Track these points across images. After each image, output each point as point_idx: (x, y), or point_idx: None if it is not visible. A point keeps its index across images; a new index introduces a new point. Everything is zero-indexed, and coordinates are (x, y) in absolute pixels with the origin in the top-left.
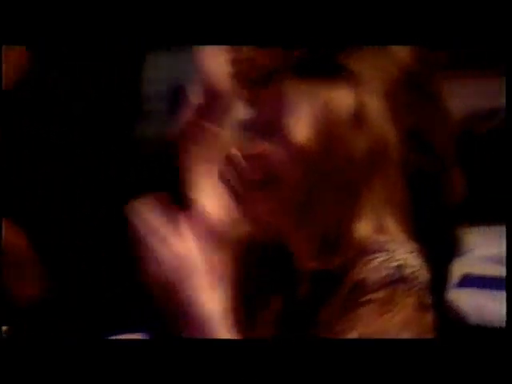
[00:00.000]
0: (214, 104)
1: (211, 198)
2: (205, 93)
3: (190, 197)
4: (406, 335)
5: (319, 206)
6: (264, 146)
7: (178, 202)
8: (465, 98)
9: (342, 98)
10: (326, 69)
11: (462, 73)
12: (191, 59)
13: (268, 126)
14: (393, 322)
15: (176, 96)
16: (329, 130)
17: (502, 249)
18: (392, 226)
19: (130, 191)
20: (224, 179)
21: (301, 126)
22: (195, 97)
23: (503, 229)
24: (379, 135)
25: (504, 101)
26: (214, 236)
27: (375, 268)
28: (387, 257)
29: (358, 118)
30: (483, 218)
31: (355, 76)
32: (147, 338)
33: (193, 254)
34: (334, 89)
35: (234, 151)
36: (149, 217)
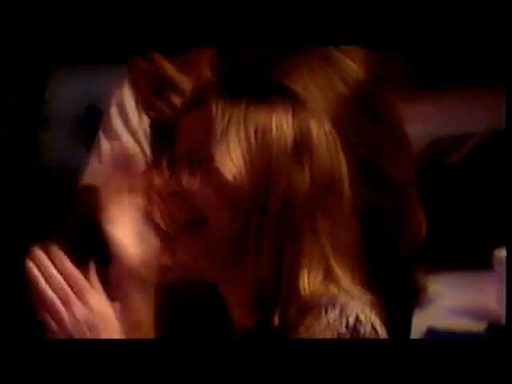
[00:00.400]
0: None
1: (132, 238)
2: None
3: (108, 237)
4: None
5: (253, 252)
6: (189, 181)
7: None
8: (430, 122)
9: (282, 124)
10: (262, 88)
11: (426, 93)
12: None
13: (193, 157)
14: None
15: (89, 118)
16: (265, 162)
17: (470, 298)
18: (342, 275)
19: (31, 235)
20: (149, 218)
21: (230, 158)
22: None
23: (471, 276)
24: (326, 168)
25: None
26: (134, 282)
27: (325, 326)
28: (338, 312)
29: (302, 147)
30: (448, 262)
31: (298, 97)
32: None
33: (105, 308)
34: (271, 112)
35: (159, 185)
36: (53, 267)
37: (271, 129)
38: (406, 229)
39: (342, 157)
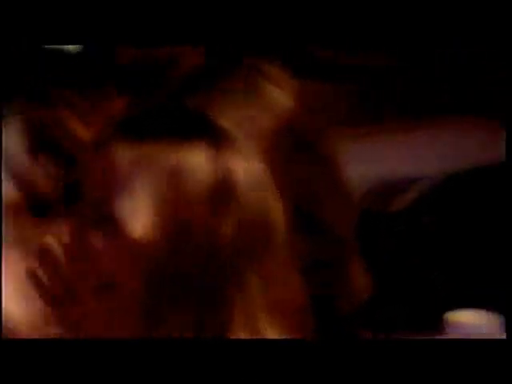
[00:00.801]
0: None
1: (16, 300)
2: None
3: None
4: None
5: (171, 319)
6: (93, 240)
7: None
8: (373, 163)
9: (201, 163)
10: (178, 122)
11: (371, 129)
12: None
13: (96, 212)
14: None
15: None
16: (180, 212)
17: None
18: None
19: None
20: (34, 278)
21: (138, 211)
22: None
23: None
24: (255, 214)
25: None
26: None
27: None
28: None
29: (225, 189)
30: (394, 325)
31: (222, 132)
32: None
33: None
34: (188, 151)
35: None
36: None
37: (187, 170)
38: (347, 287)
39: (275, 202)
